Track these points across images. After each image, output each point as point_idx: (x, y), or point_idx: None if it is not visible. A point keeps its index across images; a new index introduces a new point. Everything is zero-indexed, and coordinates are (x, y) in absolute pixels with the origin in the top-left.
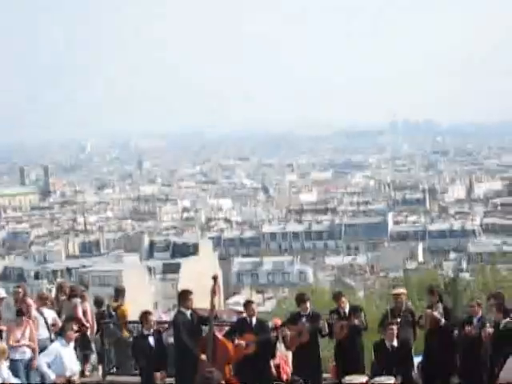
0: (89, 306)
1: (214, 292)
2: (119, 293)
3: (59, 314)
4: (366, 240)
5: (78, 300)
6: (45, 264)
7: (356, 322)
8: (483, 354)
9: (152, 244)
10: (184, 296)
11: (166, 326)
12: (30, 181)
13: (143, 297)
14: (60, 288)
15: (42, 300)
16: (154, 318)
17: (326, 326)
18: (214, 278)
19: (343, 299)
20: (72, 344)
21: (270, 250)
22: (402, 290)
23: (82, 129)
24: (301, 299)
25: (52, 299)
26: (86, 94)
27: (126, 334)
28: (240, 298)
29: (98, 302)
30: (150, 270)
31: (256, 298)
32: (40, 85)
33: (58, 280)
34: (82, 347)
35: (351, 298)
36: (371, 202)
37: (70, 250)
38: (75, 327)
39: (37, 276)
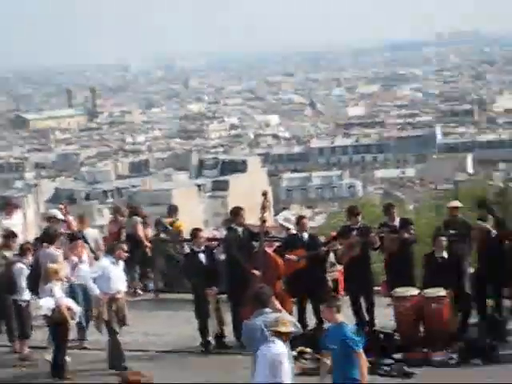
0: (150, 228)
1: (264, 208)
2: (172, 210)
3: (120, 232)
4: (414, 153)
5: (139, 219)
6: (95, 185)
7: (406, 235)
8: None
9: (201, 162)
10: (236, 212)
11: (217, 243)
12: (77, 102)
13: (193, 214)
14: (117, 210)
15: (82, 222)
16: (204, 234)
17: (377, 239)
18: (264, 194)
19: (393, 211)
20: (121, 263)
21: (319, 164)
22: (457, 203)
23: (122, 52)
24: (352, 212)
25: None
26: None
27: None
28: (289, 214)
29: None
30: (199, 187)
31: (305, 212)
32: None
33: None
34: (143, 265)
35: (401, 211)
36: (419, 115)
37: (119, 170)
38: (125, 247)
39: (87, 197)
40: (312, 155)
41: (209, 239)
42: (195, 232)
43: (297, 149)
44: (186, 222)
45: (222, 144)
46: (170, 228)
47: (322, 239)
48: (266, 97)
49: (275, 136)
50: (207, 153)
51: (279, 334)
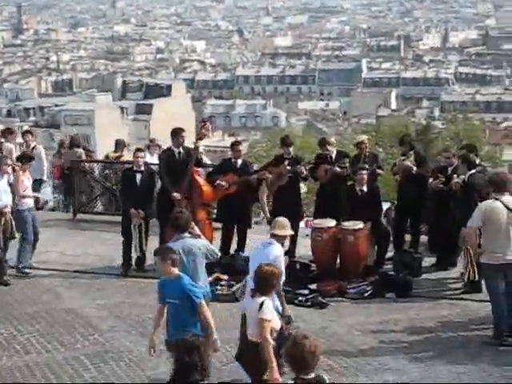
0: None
1: (199, 134)
2: (119, 145)
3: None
4: (339, 85)
5: (82, 150)
6: (17, 102)
7: (337, 169)
8: (452, 204)
9: (125, 84)
10: (176, 133)
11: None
12: (2, 18)
13: (116, 137)
14: (61, 144)
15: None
16: (142, 154)
17: (303, 169)
18: (204, 121)
19: (327, 147)
20: (5, 177)
21: (243, 92)
22: (364, 137)
23: None
24: (284, 142)
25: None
26: None
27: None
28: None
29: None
30: (122, 110)
31: (229, 141)
32: None
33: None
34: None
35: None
36: (346, 48)
37: (42, 88)
38: (10, 161)
39: (9, 114)
40: (237, 83)
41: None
42: (135, 152)
43: (222, 76)
44: (109, 143)
45: (148, 67)
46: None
47: (256, 167)
48: (194, 22)
49: (201, 62)
50: (132, 75)
51: (276, 237)
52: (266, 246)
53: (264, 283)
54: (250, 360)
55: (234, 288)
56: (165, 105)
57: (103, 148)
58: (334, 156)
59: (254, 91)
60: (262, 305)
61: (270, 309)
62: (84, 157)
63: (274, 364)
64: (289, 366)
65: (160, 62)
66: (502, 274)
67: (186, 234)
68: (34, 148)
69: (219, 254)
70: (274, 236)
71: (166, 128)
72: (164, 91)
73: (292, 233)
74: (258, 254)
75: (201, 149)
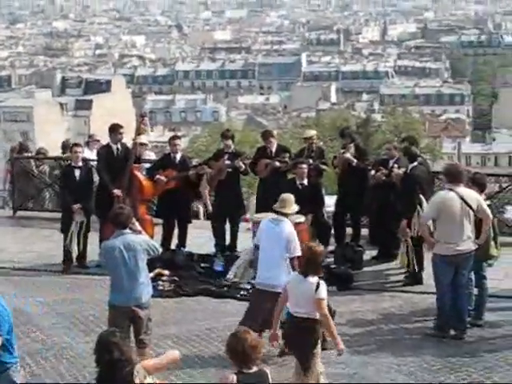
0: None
1: (138, 129)
2: (66, 147)
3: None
4: (279, 79)
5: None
6: None
7: (277, 163)
8: (392, 197)
9: (64, 80)
10: (114, 129)
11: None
12: None
13: (56, 133)
14: (13, 150)
15: None
16: (81, 150)
17: (241, 163)
18: (142, 116)
19: (270, 139)
20: None
21: (184, 87)
22: (312, 132)
23: None
24: (224, 136)
25: None
26: None
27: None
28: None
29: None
30: (62, 106)
31: (168, 135)
32: None
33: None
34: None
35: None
36: (285, 42)
37: None
38: None
39: None
40: (177, 78)
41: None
42: (72, 147)
43: (162, 71)
44: (49, 139)
45: (87, 63)
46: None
47: (195, 162)
48: (133, 17)
49: (141, 57)
50: (71, 71)
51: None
52: (276, 223)
53: (314, 263)
54: (298, 337)
55: (234, 267)
56: (104, 100)
57: (43, 144)
58: (273, 150)
59: (194, 86)
60: (318, 285)
61: (325, 288)
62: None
63: (339, 338)
64: (230, 359)
65: (99, 58)
66: (453, 265)
67: (127, 230)
68: None
69: (160, 249)
70: (282, 214)
71: (106, 124)
72: (103, 87)
73: (297, 208)
74: (270, 232)
75: (149, 145)
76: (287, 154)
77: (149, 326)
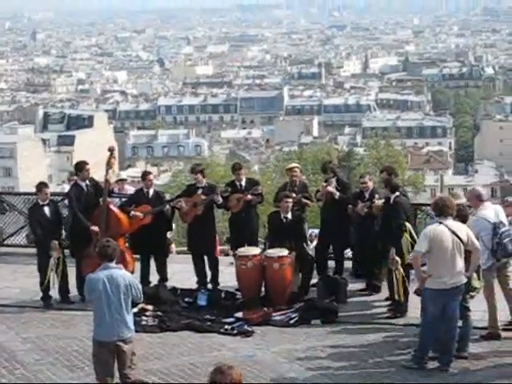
0: None
1: (109, 164)
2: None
3: None
4: (261, 114)
5: None
6: None
7: (249, 196)
8: (375, 227)
9: (46, 116)
10: (80, 167)
11: (62, 197)
12: None
13: (38, 169)
14: None
15: None
16: (49, 189)
17: (220, 197)
18: (111, 150)
19: (241, 171)
20: None
21: (166, 122)
22: (295, 164)
23: None
24: (194, 170)
25: None
26: None
27: None
28: (134, 172)
29: None
30: (44, 142)
31: (151, 170)
32: None
33: None
34: None
35: (246, 172)
36: (267, 76)
37: None
38: None
39: None
40: (159, 113)
41: (53, 194)
42: (40, 186)
43: (144, 106)
44: (31, 176)
45: (69, 99)
46: None
47: (168, 196)
48: (115, 53)
49: (123, 92)
50: (53, 107)
51: None
52: None
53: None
54: None
55: None
56: (87, 136)
57: (25, 180)
58: (243, 184)
59: (176, 121)
60: None
61: None
62: None
63: None
64: None
65: (81, 93)
66: (443, 298)
67: (113, 264)
68: None
69: (142, 298)
70: None
71: (89, 159)
72: (86, 122)
73: None
74: None
75: (127, 179)
76: (259, 187)
77: (133, 361)
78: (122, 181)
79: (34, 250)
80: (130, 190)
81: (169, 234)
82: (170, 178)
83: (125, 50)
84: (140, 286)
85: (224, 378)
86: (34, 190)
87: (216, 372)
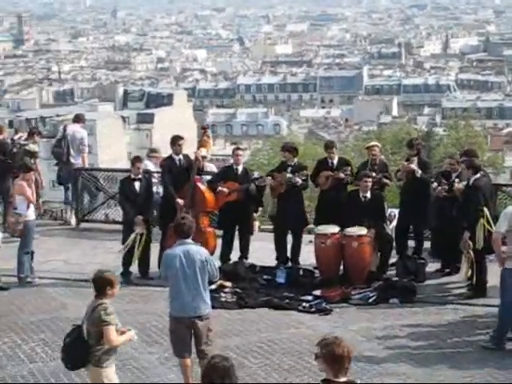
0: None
1: (201, 142)
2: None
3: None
4: (340, 93)
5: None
6: (19, 113)
7: (341, 174)
8: (454, 209)
9: (126, 94)
10: (173, 141)
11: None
12: (3, 29)
13: (117, 146)
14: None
15: None
16: (142, 164)
17: (298, 179)
18: (204, 129)
19: (334, 150)
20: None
21: (245, 101)
22: (375, 143)
23: None
24: (284, 148)
25: None
26: None
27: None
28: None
29: None
30: (124, 119)
31: (230, 149)
32: None
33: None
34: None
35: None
36: (347, 55)
37: (44, 98)
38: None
39: (11, 124)
40: (238, 91)
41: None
42: (134, 160)
43: (223, 84)
44: (111, 152)
45: (149, 77)
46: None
47: (257, 174)
48: (195, 31)
49: (202, 71)
50: (133, 85)
51: None
52: None
53: None
54: None
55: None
56: (166, 114)
57: (104, 157)
58: (335, 162)
59: (255, 99)
60: None
61: None
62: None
63: None
64: (327, 367)
65: (161, 72)
66: None
67: (189, 240)
68: None
69: (218, 276)
70: None
71: (168, 137)
72: (165, 100)
73: None
74: None
75: (208, 156)
76: (349, 168)
77: (209, 337)
78: (202, 158)
79: (113, 226)
80: (210, 167)
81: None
82: (249, 156)
83: (205, 28)
84: (216, 264)
85: (342, 348)
86: (112, 166)
87: (331, 344)
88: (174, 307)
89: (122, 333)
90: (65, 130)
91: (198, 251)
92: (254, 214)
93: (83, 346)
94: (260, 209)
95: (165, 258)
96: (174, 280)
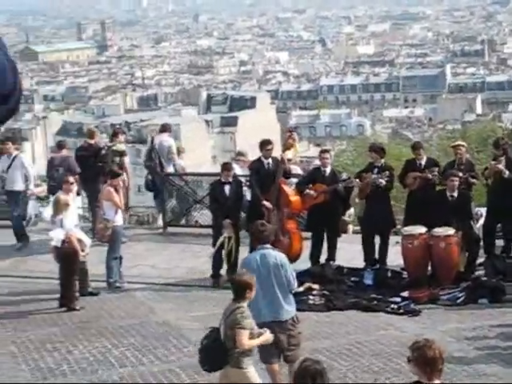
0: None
1: (286, 145)
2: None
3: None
4: (423, 92)
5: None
6: (103, 118)
7: (429, 175)
8: None
9: (209, 97)
10: (262, 146)
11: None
12: (87, 36)
13: (202, 150)
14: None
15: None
16: (233, 170)
17: (381, 180)
18: (290, 131)
19: (421, 151)
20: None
21: (328, 102)
22: (461, 142)
23: None
24: (373, 149)
25: None
26: None
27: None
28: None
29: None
30: (207, 123)
31: (314, 150)
32: None
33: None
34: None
35: (409, 151)
36: (429, 54)
37: (128, 104)
38: (71, 179)
39: None
40: (321, 93)
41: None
42: (224, 165)
43: (306, 86)
44: (195, 156)
45: (232, 80)
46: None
47: (345, 175)
48: (276, 33)
49: (285, 73)
50: (216, 88)
51: None
52: None
53: None
54: None
55: None
56: (249, 117)
57: (189, 161)
58: (423, 163)
59: (338, 100)
60: None
61: None
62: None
63: None
64: (419, 370)
65: (243, 75)
66: None
67: (268, 245)
68: (15, 157)
69: (295, 285)
70: None
71: (252, 140)
72: (248, 103)
73: None
74: None
75: (293, 159)
76: (437, 168)
77: (291, 342)
78: (287, 160)
79: (200, 230)
80: (295, 169)
81: (347, 215)
82: (333, 157)
83: (286, 30)
84: (293, 272)
85: (433, 350)
86: (197, 171)
87: (422, 347)
88: (252, 313)
89: (260, 335)
90: (152, 141)
91: (276, 256)
92: (347, 218)
93: (220, 349)
94: (348, 211)
95: (242, 262)
96: None
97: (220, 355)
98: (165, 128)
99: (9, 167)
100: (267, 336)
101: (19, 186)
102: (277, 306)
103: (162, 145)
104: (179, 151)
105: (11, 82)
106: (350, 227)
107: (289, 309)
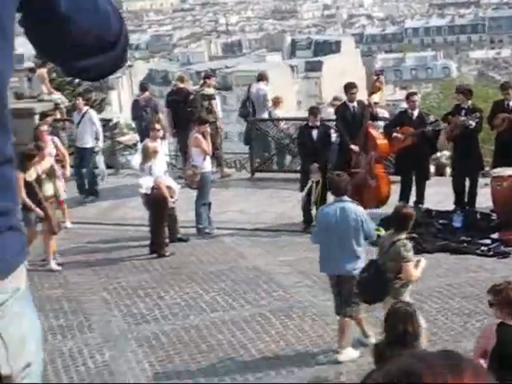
0: None
1: (373, 88)
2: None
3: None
4: (510, 33)
5: None
6: (188, 66)
7: None
8: None
9: (294, 42)
10: (346, 89)
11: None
12: None
13: (287, 95)
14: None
15: None
16: (320, 114)
17: (471, 122)
18: (377, 75)
19: (510, 91)
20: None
21: (413, 45)
22: None
23: None
24: (460, 91)
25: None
26: None
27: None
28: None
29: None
30: (292, 68)
31: (400, 94)
32: None
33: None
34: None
35: (495, 92)
36: None
37: (212, 51)
38: (158, 125)
39: None
40: (406, 35)
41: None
42: (312, 109)
43: (391, 29)
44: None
45: (316, 24)
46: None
47: (432, 118)
48: None
49: (369, 16)
50: (300, 33)
51: None
52: None
53: None
54: None
55: None
56: (334, 61)
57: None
58: (511, 104)
59: (423, 43)
60: None
61: None
62: None
63: None
64: (503, 313)
65: (328, 19)
66: None
67: (346, 198)
68: (85, 113)
69: (375, 237)
70: None
71: (337, 84)
72: (333, 47)
73: None
74: None
75: (380, 102)
76: None
77: (351, 299)
78: (374, 104)
79: (288, 175)
80: (382, 113)
81: (444, 158)
82: (420, 100)
83: None
84: (373, 225)
85: None
86: (283, 115)
87: (504, 289)
88: (321, 264)
89: (416, 265)
90: (249, 89)
91: (355, 210)
92: (444, 160)
93: (381, 280)
94: (445, 153)
95: (319, 213)
96: (324, 236)
97: (381, 287)
98: (261, 77)
99: (79, 123)
100: (423, 263)
101: (89, 143)
102: (350, 259)
103: (258, 93)
104: (278, 101)
105: (117, 28)
106: (448, 170)
107: (359, 263)
